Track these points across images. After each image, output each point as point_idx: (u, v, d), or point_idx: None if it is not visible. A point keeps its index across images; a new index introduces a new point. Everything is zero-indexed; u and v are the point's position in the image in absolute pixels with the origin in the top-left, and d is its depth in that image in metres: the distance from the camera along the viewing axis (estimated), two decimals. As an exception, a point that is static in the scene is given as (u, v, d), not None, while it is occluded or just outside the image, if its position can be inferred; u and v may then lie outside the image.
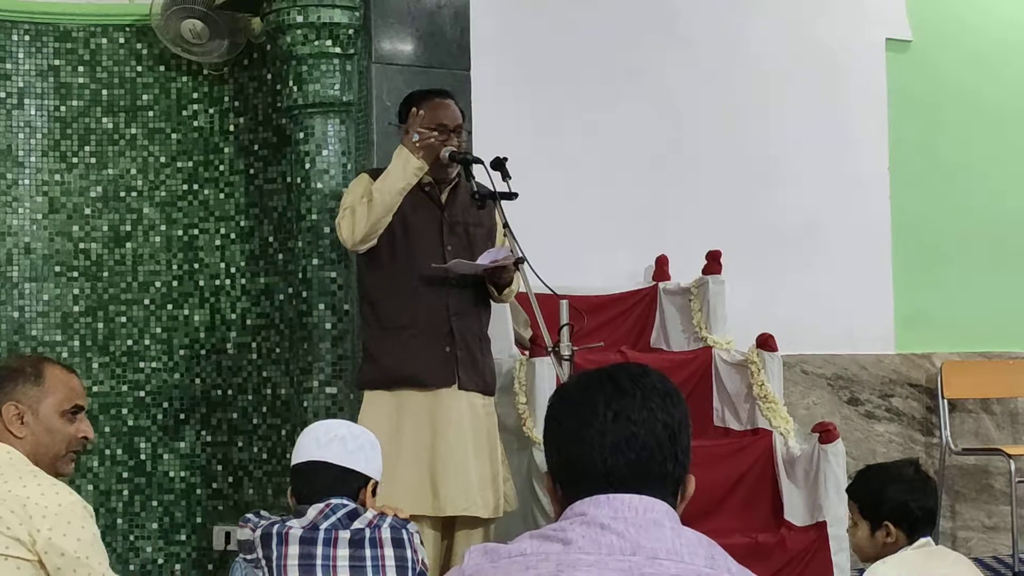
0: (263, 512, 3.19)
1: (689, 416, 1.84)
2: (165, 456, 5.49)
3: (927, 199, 6.76)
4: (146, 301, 5.52)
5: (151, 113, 5.55)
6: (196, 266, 5.54)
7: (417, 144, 4.22)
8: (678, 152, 6.19)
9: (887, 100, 6.70)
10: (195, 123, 5.57)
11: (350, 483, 3.14)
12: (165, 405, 5.50)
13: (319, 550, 3.00)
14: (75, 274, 5.47)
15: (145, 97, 5.55)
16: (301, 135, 5.17)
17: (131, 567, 5.40)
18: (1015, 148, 7.02)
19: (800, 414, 5.91)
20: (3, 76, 5.43)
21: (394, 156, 4.29)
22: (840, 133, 6.55)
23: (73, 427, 3.05)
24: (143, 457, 5.48)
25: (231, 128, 5.55)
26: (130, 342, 5.50)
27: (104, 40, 5.54)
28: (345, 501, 3.09)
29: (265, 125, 5.47)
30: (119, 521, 5.37)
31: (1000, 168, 6.98)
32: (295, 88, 5.15)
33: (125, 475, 5.46)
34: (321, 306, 5.07)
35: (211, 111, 5.57)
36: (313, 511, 3.06)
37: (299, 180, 5.16)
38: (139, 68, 5.56)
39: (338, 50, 5.11)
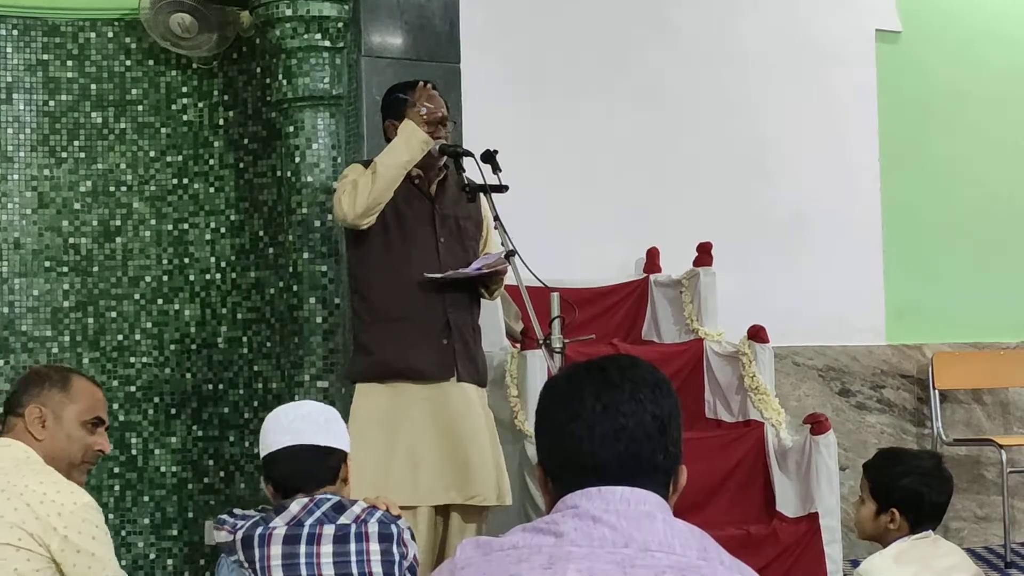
0: (236, 511, 3.14)
1: (680, 407, 1.84)
2: (156, 451, 5.48)
3: (917, 190, 6.77)
4: (136, 296, 5.51)
5: (140, 107, 5.54)
6: (186, 260, 5.53)
7: (424, 117, 4.19)
8: (668, 144, 6.19)
9: (877, 91, 6.70)
10: (184, 117, 5.56)
11: (330, 460, 3.08)
12: (156, 400, 5.49)
13: (302, 548, 2.95)
14: (65, 269, 5.46)
15: (134, 91, 5.54)
16: (291, 129, 5.16)
17: (123, 562, 5.38)
18: (1005, 139, 7.03)
19: (791, 405, 5.92)
20: (-9, 71, 5.42)
21: (399, 129, 4.23)
22: (830, 125, 6.56)
23: (92, 438, 3.12)
24: (134, 452, 5.47)
25: (221, 122, 5.54)
26: (120, 337, 5.49)
27: (93, 34, 5.52)
28: (329, 495, 3.04)
29: (255, 119, 5.46)
30: (110, 516, 5.36)
31: (990, 159, 6.99)
32: (285, 82, 5.14)
33: (116, 470, 5.45)
34: (312, 300, 5.07)
35: (200, 105, 5.56)
36: (296, 506, 3.01)
37: (289, 174, 5.15)
38: (128, 62, 5.54)
39: (327, 43, 5.10)
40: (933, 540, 3.38)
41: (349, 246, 4.46)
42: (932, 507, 3.37)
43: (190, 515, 5.48)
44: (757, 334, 5.33)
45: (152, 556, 5.45)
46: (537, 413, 1.87)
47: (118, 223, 5.51)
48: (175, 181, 5.55)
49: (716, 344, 5.52)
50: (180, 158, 5.55)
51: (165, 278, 5.53)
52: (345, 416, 4.36)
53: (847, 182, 6.57)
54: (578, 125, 6.00)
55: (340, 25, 5.10)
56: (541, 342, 4.14)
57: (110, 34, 5.53)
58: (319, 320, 5.05)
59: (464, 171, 4.32)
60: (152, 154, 5.54)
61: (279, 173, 5.26)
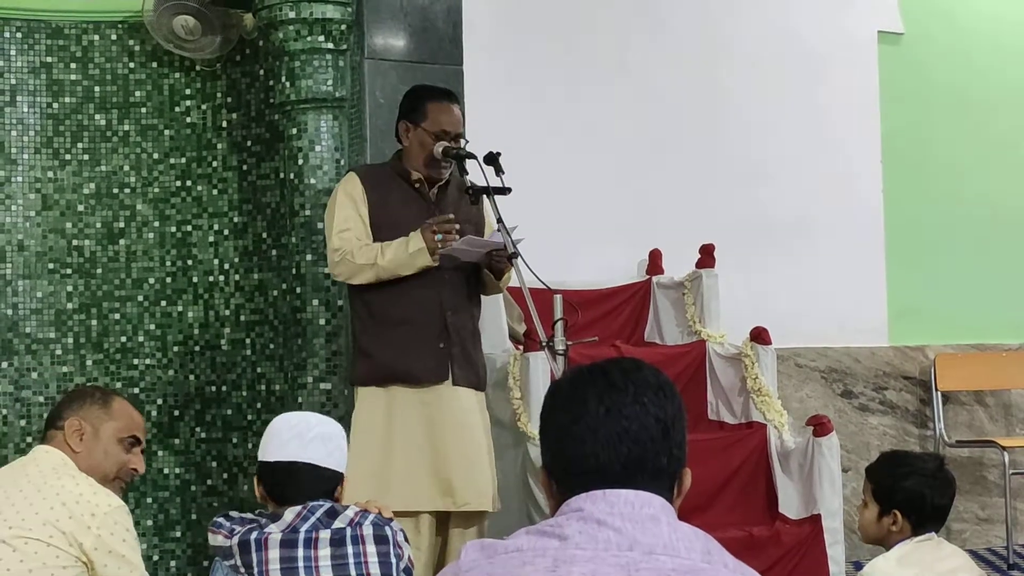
0: (233, 514, 3.14)
1: (684, 410, 1.84)
2: (160, 453, 5.49)
3: (920, 192, 6.78)
4: (140, 298, 5.51)
5: (144, 110, 5.54)
6: (189, 262, 5.54)
7: (439, 246, 4.17)
8: (671, 146, 6.19)
9: (879, 93, 6.70)
10: (188, 119, 5.56)
11: (332, 484, 3.12)
12: (159, 402, 5.50)
13: (300, 552, 2.97)
14: (69, 271, 5.47)
15: (138, 93, 5.55)
16: (294, 131, 5.17)
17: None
18: (1007, 140, 7.03)
19: (794, 407, 5.93)
20: (-5, 73, 5.43)
21: (410, 240, 4.20)
22: (832, 126, 6.56)
23: (127, 456, 3.21)
24: (137, 454, 5.47)
25: (224, 124, 5.55)
26: (124, 339, 5.49)
27: (96, 37, 5.53)
28: (322, 501, 3.06)
29: (258, 121, 5.47)
30: (114, 518, 5.36)
31: (992, 160, 6.99)
32: (288, 84, 5.15)
33: (119, 472, 5.45)
34: (315, 302, 5.07)
35: (204, 107, 5.56)
36: (290, 514, 3.03)
37: (292, 176, 5.16)
38: (131, 65, 5.55)
39: (330, 46, 5.10)
40: (936, 542, 3.39)
41: None
42: (935, 509, 3.37)
43: (193, 517, 5.49)
44: (759, 336, 5.34)
45: (155, 558, 5.46)
46: (541, 416, 1.88)
47: (121, 225, 5.52)
48: (178, 183, 5.55)
49: (718, 346, 5.52)
50: (183, 160, 5.55)
51: (168, 280, 5.53)
52: (348, 419, 4.40)
53: (849, 184, 6.57)
54: (581, 127, 6.01)
55: (343, 27, 5.10)
56: (544, 344, 4.15)
57: (114, 36, 5.54)
58: (322, 322, 5.05)
59: (467, 173, 4.32)
60: (155, 156, 5.55)
61: (282, 175, 5.26)
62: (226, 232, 5.53)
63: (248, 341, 5.47)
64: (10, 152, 5.42)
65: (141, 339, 5.50)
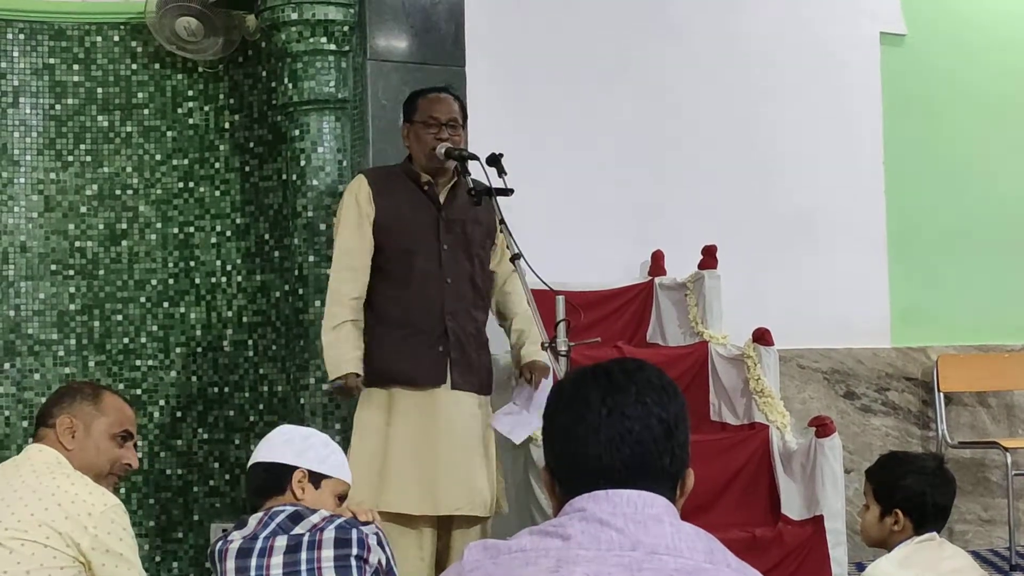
0: (244, 517, 3.17)
1: (687, 411, 1.84)
2: (162, 454, 5.49)
3: (922, 193, 6.77)
4: (142, 299, 5.52)
5: (146, 111, 5.55)
6: (192, 264, 5.54)
7: (333, 387, 4.33)
8: (673, 147, 6.19)
9: (882, 94, 6.70)
10: (190, 121, 5.57)
11: (273, 475, 3.13)
12: (162, 403, 5.50)
13: (253, 561, 2.97)
14: (71, 272, 5.47)
15: (140, 95, 5.55)
16: (296, 132, 5.17)
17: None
18: (1010, 142, 7.02)
19: (796, 408, 5.92)
20: (-2, 75, 5.44)
21: (341, 364, 4.27)
22: (835, 128, 6.56)
23: (120, 451, 3.20)
24: (140, 455, 5.48)
25: (226, 126, 5.55)
26: (126, 340, 5.50)
27: (99, 38, 5.53)
28: (285, 506, 3.06)
29: (260, 122, 5.47)
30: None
31: (995, 161, 6.99)
32: (290, 85, 5.15)
33: (122, 473, 5.45)
34: (317, 303, 5.07)
35: (206, 109, 5.57)
36: (253, 520, 3.05)
37: (295, 177, 5.16)
38: (134, 66, 5.56)
39: (333, 47, 5.11)
40: (939, 543, 3.38)
41: None
42: (936, 508, 3.37)
43: (196, 518, 5.49)
44: (762, 337, 5.34)
45: (157, 559, 5.46)
46: (544, 417, 1.88)
47: (124, 226, 5.52)
48: (181, 185, 5.56)
49: (721, 347, 5.52)
50: (186, 162, 5.56)
51: (171, 281, 5.54)
52: (350, 420, 4.41)
53: (852, 185, 6.57)
54: (583, 128, 6.01)
55: (345, 29, 5.11)
56: (547, 345, 4.15)
57: (116, 38, 5.55)
58: (324, 323, 5.05)
59: (469, 175, 4.33)
60: (158, 158, 5.55)
61: (284, 177, 5.26)
62: (228, 233, 5.53)
63: (250, 342, 5.47)
64: (13, 154, 5.43)
65: (143, 340, 5.51)
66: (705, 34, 6.33)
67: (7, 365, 5.37)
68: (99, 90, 5.52)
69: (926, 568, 3.27)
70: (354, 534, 3.00)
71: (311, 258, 5.09)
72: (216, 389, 5.51)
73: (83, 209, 5.50)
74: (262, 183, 5.47)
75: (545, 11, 6.01)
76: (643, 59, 6.16)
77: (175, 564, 5.48)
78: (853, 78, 6.64)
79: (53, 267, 5.46)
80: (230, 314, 5.51)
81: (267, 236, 5.44)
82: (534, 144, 5.68)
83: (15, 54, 5.45)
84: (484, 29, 5.56)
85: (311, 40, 5.09)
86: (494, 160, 4.30)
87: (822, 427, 5.01)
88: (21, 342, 5.39)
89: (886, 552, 3.39)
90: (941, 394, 6.50)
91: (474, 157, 4.31)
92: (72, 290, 5.47)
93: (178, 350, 5.53)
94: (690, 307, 5.71)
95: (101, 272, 5.50)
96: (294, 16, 5.07)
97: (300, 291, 5.12)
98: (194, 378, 5.53)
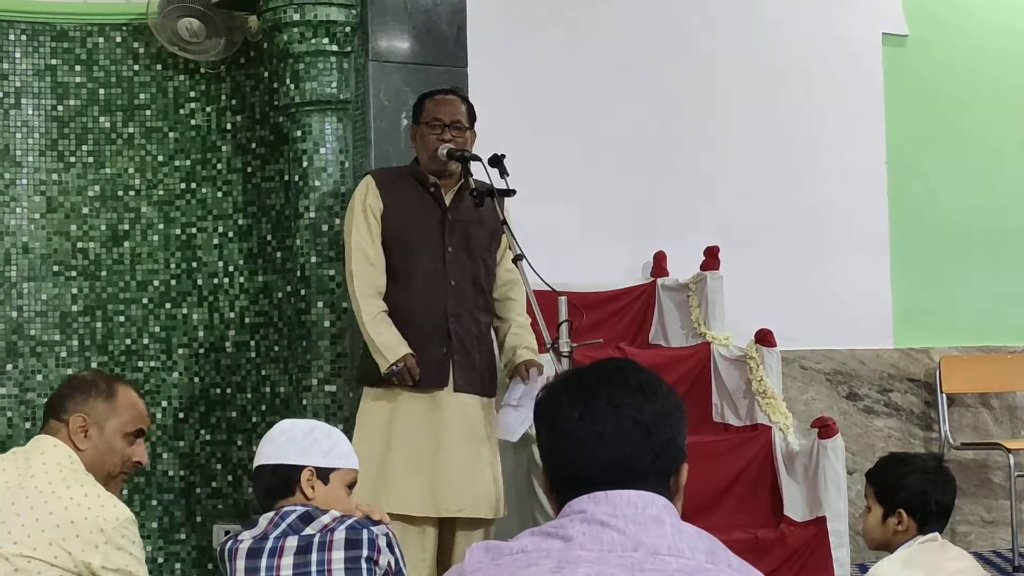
0: (249, 519, 3.17)
1: (674, 407, 1.82)
2: (164, 455, 5.49)
3: (925, 194, 6.77)
4: (144, 300, 5.52)
5: (148, 112, 5.55)
6: (194, 265, 5.54)
7: (394, 378, 4.28)
8: (675, 148, 6.19)
9: (884, 95, 6.70)
10: (192, 122, 5.57)
11: (282, 476, 3.11)
12: (164, 404, 5.50)
13: (263, 562, 2.97)
14: (73, 273, 5.47)
15: (142, 96, 5.55)
16: (298, 133, 5.17)
17: None
18: (1012, 142, 7.02)
19: (799, 409, 5.92)
20: (0, 76, 5.42)
21: (390, 351, 4.25)
22: (837, 129, 6.56)
23: (131, 449, 3.14)
24: (142, 456, 5.47)
25: (228, 126, 5.55)
26: (128, 341, 5.50)
27: (101, 39, 5.53)
28: (296, 506, 3.06)
29: (262, 123, 5.47)
30: (119, 520, 5.36)
31: (997, 162, 6.99)
32: (292, 86, 5.15)
33: (124, 474, 5.45)
34: (320, 304, 5.07)
35: (208, 110, 5.57)
36: (264, 520, 3.05)
37: (297, 178, 5.16)
38: (136, 67, 5.56)
39: (335, 48, 5.11)
40: (941, 544, 3.38)
41: None
42: (938, 506, 3.37)
43: (198, 519, 5.49)
44: (764, 338, 5.33)
45: (160, 560, 5.46)
46: (534, 424, 1.89)
47: (126, 227, 5.52)
48: (183, 185, 5.56)
49: (723, 348, 5.52)
50: (188, 162, 5.56)
51: (173, 282, 5.54)
52: (353, 421, 4.41)
53: (854, 186, 6.57)
54: (585, 128, 6.01)
55: (347, 30, 5.10)
56: (549, 346, 4.15)
57: (118, 39, 5.55)
58: (327, 324, 5.05)
59: (471, 175, 4.33)
60: (160, 158, 5.55)
61: (287, 177, 5.26)
62: (231, 234, 5.53)
63: (253, 343, 5.47)
64: (15, 155, 5.43)
65: (146, 341, 5.51)
66: (709, 36, 6.33)
67: (9, 366, 5.37)
68: (101, 91, 5.52)
69: (929, 569, 3.26)
70: (365, 535, 2.99)
71: (313, 259, 5.09)
72: (218, 390, 5.51)
73: (85, 210, 5.49)
74: (264, 184, 5.46)
75: (547, 12, 6.01)
76: (645, 60, 6.16)
77: (177, 565, 5.48)
78: (855, 79, 6.64)
79: (55, 268, 5.46)
80: (232, 315, 5.51)
81: (269, 237, 5.44)
82: (536, 145, 5.68)
83: (17, 55, 5.45)
84: (486, 30, 5.56)
85: (313, 41, 5.09)
86: (496, 161, 4.31)
87: (825, 428, 5.00)
88: (23, 343, 5.39)
89: (888, 553, 3.39)
90: (943, 395, 6.50)
91: (476, 158, 4.31)
92: (74, 291, 5.47)
93: (180, 351, 5.53)
94: (692, 308, 5.71)
95: (103, 273, 5.50)
96: (296, 17, 5.07)
97: (302, 292, 5.12)
98: (196, 379, 5.53)
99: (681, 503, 1.81)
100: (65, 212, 5.48)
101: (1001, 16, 7.06)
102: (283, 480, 3.10)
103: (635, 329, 5.88)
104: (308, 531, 3.00)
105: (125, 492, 5.41)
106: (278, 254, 5.39)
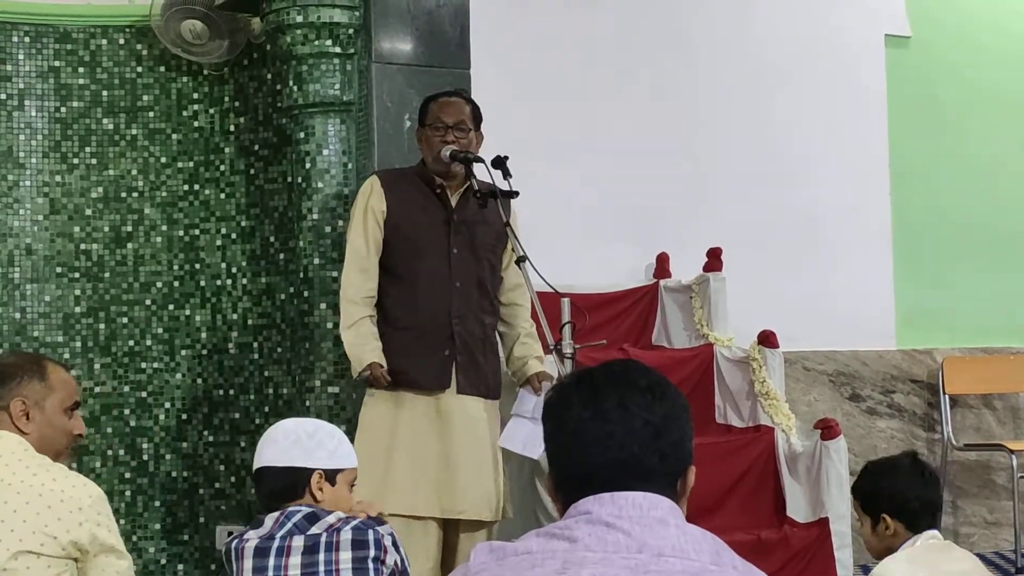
0: (254, 519, 3.17)
1: (682, 408, 1.82)
2: (167, 456, 5.50)
3: (927, 195, 6.77)
4: (147, 302, 5.52)
5: (151, 114, 5.55)
6: (197, 266, 5.55)
7: (360, 377, 4.35)
8: (678, 149, 6.19)
9: (887, 97, 6.70)
10: (195, 123, 5.57)
11: (290, 480, 3.11)
12: (167, 405, 5.51)
13: (271, 561, 2.98)
14: (76, 275, 5.48)
15: (145, 98, 5.55)
16: (301, 135, 5.17)
17: (134, 567, 5.40)
18: (1015, 143, 7.02)
19: (801, 411, 5.92)
20: (3, 78, 5.43)
21: (363, 356, 4.31)
22: (840, 130, 6.56)
23: (71, 423, 3.14)
24: (145, 457, 5.48)
25: (231, 128, 5.55)
26: (132, 343, 5.50)
27: (104, 41, 5.54)
28: (301, 507, 3.06)
29: (265, 125, 5.47)
30: (122, 521, 5.36)
31: (1000, 163, 6.99)
32: (295, 88, 5.16)
33: (128, 475, 5.46)
34: (323, 305, 5.07)
35: (211, 111, 5.57)
36: (269, 520, 3.05)
37: (300, 180, 5.17)
38: (139, 69, 5.56)
39: (338, 50, 5.11)
40: (946, 544, 3.38)
41: None
42: (920, 502, 3.34)
43: (201, 520, 5.49)
44: (767, 339, 5.33)
45: (163, 561, 5.46)
46: (541, 423, 1.89)
47: (129, 229, 5.53)
48: (186, 187, 5.56)
49: (726, 349, 5.52)
50: (191, 164, 5.56)
51: (176, 284, 5.54)
52: (356, 421, 4.41)
53: (857, 187, 6.57)
54: (588, 130, 6.01)
55: (351, 31, 5.11)
56: (552, 347, 4.15)
57: (121, 41, 5.55)
58: (329, 326, 5.05)
59: (474, 176, 4.33)
60: (163, 160, 5.56)
61: (290, 179, 5.27)
62: (234, 236, 5.53)
63: (256, 345, 5.48)
64: (18, 156, 5.43)
65: (149, 343, 5.51)
66: (711, 38, 6.33)
67: (13, 368, 5.36)
68: (104, 93, 5.53)
69: (933, 569, 3.26)
70: (371, 536, 3.01)
71: (316, 260, 5.10)
72: (221, 391, 5.52)
73: (88, 212, 5.50)
74: (267, 186, 5.47)
75: (550, 13, 6.01)
76: (649, 61, 6.16)
77: (181, 566, 5.49)
78: (858, 80, 6.64)
79: (58, 270, 5.46)
80: (235, 316, 5.52)
81: (272, 239, 5.44)
82: (539, 146, 5.68)
83: (20, 57, 5.45)
84: (489, 31, 5.56)
85: (316, 43, 5.09)
86: (499, 162, 4.32)
87: (827, 429, 5.00)
88: (27, 344, 5.39)
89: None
90: (946, 396, 6.50)
91: (479, 159, 4.32)
92: (77, 292, 5.47)
93: (183, 352, 5.53)
94: (695, 309, 5.71)
95: (106, 274, 5.50)
96: (299, 19, 5.08)
97: (305, 293, 5.12)
98: (199, 380, 5.53)
99: (685, 504, 1.81)
100: (68, 214, 5.48)
101: (1004, 18, 7.07)
102: (291, 483, 3.11)
103: (638, 330, 5.88)
104: (314, 531, 3.01)
105: (127, 494, 5.43)
106: (281, 256, 5.39)
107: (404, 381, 4.31)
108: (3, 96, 5.43)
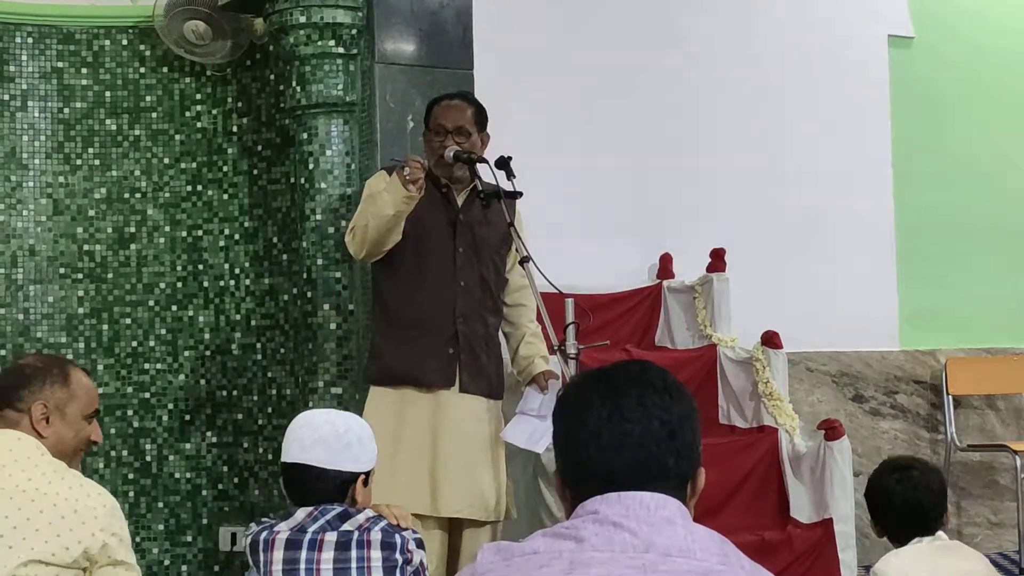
0: (264, 519, 3.17)
1: (695, 410, 1.83)
2: (171, 457, 5.50)
3: (930, 195, 6.77)
4: (151, 302, 5.52)
5: (154, 114, 5.56)
6: (200, 267, 5.55)
7: (408, 178, 4.09)
8: (681, 150, 6.19)
9: (890, 97, 6.70)
10: (198, 124, 5.57)
11: (337, 483, 3.11)
12: (170, 406, 5.51)
13: (303, 554, 2.99)
14: (80, 276, 5.48)
15: (148, 98, 5.56)
16: (304, 135, 5.17)
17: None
18: (1017, 144, 7.02)
19: (805, 411, 5.92)
20: (7, 79, 5.43)
21: (389, 182, 4.17)
22: (843, 130, 6.55)
23: (89, 428, 3.15)
24: (149, 459, 5.49)
25: (234, 129, 5.56)
26: (135, 343, 5.50)
27: (107, 42, 5.54)
28: (335, 505, 3.07)
29: (268, 126, 5.48)
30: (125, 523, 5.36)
31: (1003, 164, 6.99)
32: (298, 88, 5.16)
33: (131, 476, 5.46)
34: (326, 306, 5.07)
35: (214, 112, 5.57)
36: (302, 513, 3.06)
37: (303, 180, 5.17)
38: (142, 70, 5.56)
39: (341, 50, 5.11)
40: (955, 544, 3.38)
41: None
42: (906, 504, 3.32)
43: (204, 521, 5.49)
44: (771, 340, 5.33)
45: (166, 562, 5.46)
46: (552, 420, 1.88)
47: (132, 230, 5.53)
48: (189, 188, 5.56)
49: (730, 350, 5.51)
50: (194, 165, 5.56)
51: (179, 284, 5.54)
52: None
53: (860, 188, 6.57)
54: (591, 131, 6.00)
55: (354, 32, 5.11)
56: (556, 348, 4.15)
57: (124, 41, 5.55)
58: (333, 326, 5.06)
59: (479, 177, 4.33)
60: (166, 161, 5.56)
61: (293, 180, 5.27)
62: (237, 237, 5.53)
63: (259, 346, 5.48)
64: (21, 157, 5.43)
65: (152, 344, 5.51)
66: (713, 38, 6.33)
67: (16, 369, 5.37)
68: (107, 93, 5.53)
69: (937, 567, 3.26)
70: (398, 539, 3.05)
71: (319, 261, 5.10)
72: (224, 392, 5.52)
73: (91, 212, 5.50)
74: (270, 186, 5.47)
75: (553, 14, 6.01)
76: (651, 62, 6.15)
77: (184, 567, 5.49)
78: (861, 81, 6.63)
79: (62, 271, 5.46)
80: (238, 317, 5.52)
81: (275, 239, 5.44)
82: (542, 147, 5.67)
83: (24, 58, 5.46)
84: (492, 32, 5.56)
85: (319, 43, 5.09)
86: (503, 163, 4.31)
87: (831, 430, 5.00)
88: (30, 346, 5.39)
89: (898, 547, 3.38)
90: (950, 397, 6.49)
91: (483, 160, 4.32)
92: (81, 293, 5.47)
93: (186, 353, 5.53)
94: (698, 310, 5.71)
95: (109, 275, 5.50)
96: (302, 19, 5.08)
97: (308, 294, 5.12)
98: (203, 381, 5.53)
99: (694, 505, 1.81)
100: (71, 214, 5.49)
101: (1006, 18, 7.06)
102: (338, 485, 3.10)
103: (641, 331, 5.88)
104: (346, 527, 3.03)
105: (130, 495, 5.43)
106: (284, 256, 5.39)
107: (408, 379, 4.30)
108: (6, 97, 5.43)
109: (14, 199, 5.43)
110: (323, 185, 5.12)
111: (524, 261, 4.16)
